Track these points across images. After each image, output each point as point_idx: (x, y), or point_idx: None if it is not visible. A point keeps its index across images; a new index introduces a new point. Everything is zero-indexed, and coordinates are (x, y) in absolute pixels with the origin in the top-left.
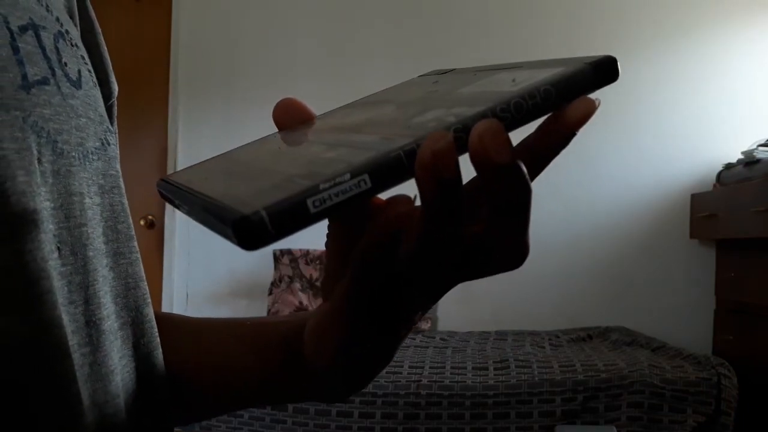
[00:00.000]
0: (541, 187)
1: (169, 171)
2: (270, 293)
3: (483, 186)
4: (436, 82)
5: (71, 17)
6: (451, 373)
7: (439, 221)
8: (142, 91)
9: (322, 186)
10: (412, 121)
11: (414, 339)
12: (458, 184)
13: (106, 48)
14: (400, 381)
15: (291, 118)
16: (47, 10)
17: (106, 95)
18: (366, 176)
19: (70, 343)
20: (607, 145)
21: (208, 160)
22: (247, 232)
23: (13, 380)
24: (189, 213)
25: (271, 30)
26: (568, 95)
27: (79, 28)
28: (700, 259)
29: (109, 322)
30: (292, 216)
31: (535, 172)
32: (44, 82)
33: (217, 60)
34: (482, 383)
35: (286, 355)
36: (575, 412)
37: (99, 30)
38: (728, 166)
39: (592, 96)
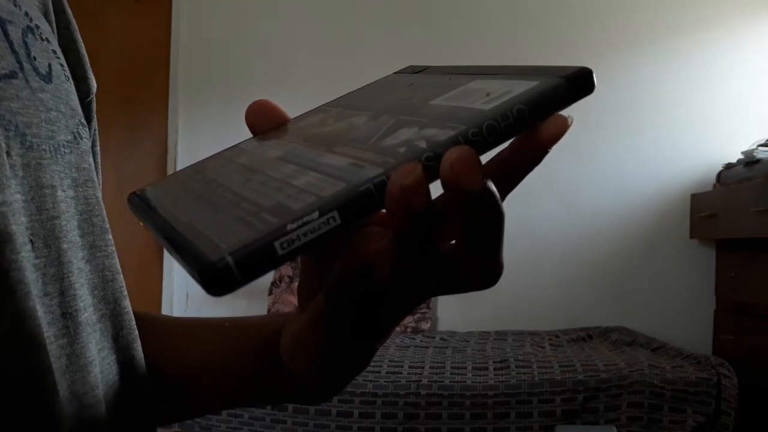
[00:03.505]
0: (541, 186)
1: (170, 171)
2: (270, 293)
3: (455, 211)
4: (411, 84)
5: (46, 15)
6: (451, 373)
7: (411, 252)
8: (142, 91)
9: (289, 227)
10: (383, 144)
11: (414, 339)
12: (429, 215)
13: (83, 45)
14: (400, 381)
15: (265, 120)
16: (15, 5)
17: (84, 92)
18: (335, 213)
19: (46, 334)
20: (607, 145)
21: (181, 171)
22: (213, 279)
23: None
24: (157, 237)
25: (271, 30)
26: (542, 113)
27: (55, 25)
28: (700, 259)
29: (86, 314)
30: (259, 261)
31: (508, 189)
32: (12, 75)
33: (217, 60)
34: (482, 383)
35: (266, 358)
36: (575, 412)
37: (76, 27)
38: (728, 166)
39: (566, 113)
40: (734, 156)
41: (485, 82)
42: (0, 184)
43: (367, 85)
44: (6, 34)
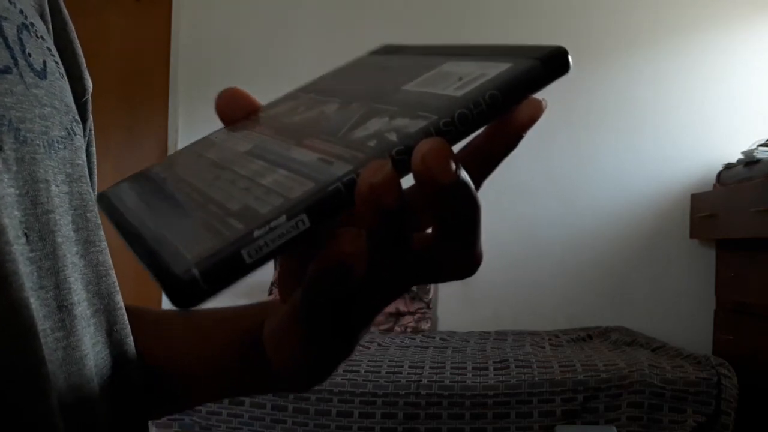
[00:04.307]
0: (541, 186)
1: None
2: (270, 293)
3: (428, 204)
4: (384, 67)
5: (42, 15)
6: (451, 373)
7: (384, 249)
8: (142, 91)
9: (256, 233)
10: (353, 137)
11: (414, 339)
12: (401, 212)
13: (79, 46)
14: (400, 381)
15: (235, 109)
16: (10, 2)
17: (80, 92)
18: (303, 216)
19: (42, 327)
20: (607, 145)
21: (152, 166)
22: (179, 292)
23: None
24: (124, 244)
25: (271, 30)
26: (516, 97)
27: (51, 26)
28: (700, 259)
29: (80, 308)
30: (227, 271)
31: (483, 176)
32: (6, 71)
33: (217, 60)
34: (482, 383)
35: (246, 350)
36: (575, 412)
37: (72, 28)
38: (728, 166)
39: (540, 96)
40: (734, 156)
41: (459, 65)
42: None
43: (341, 67)
44: (1, 30)
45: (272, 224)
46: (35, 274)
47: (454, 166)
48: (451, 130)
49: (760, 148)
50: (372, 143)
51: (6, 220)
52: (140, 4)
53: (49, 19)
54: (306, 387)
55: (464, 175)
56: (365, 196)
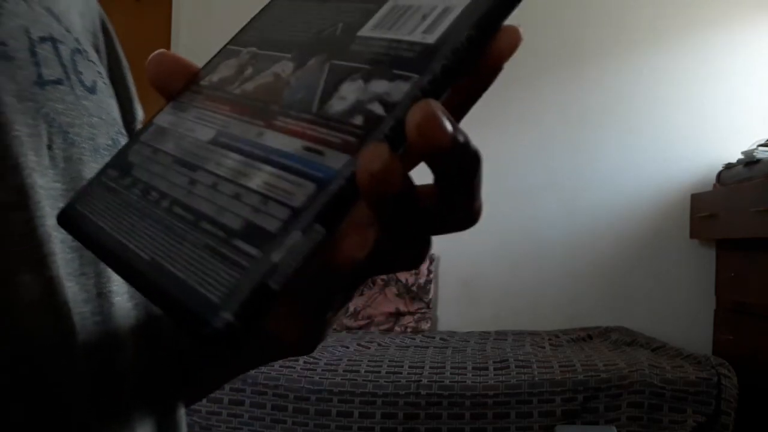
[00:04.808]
0: (542, 186)
1: None
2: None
3: (428, 165)
4: (322, 5)
5: (96, 49)
6: (451, 373)
7: (395, 229)
8: (142, 92)
9: (275, 257)
10: (332, 111)
11: (414, 339)
12: (409, 192)
13: (132, 83)
14: (400, 381)
15: (170, 77)
16: (67, 31)
17: (129, 120)
18: (317, 226)
19: (81, 311)
20: (607, 145)
21: (103, 173)
22: (215, 340)
23: (26, 334)
24: (120, 276)
25: None
26: (493, 30)
27: (106, 62)
28: (700, 259)
29: (119, 298)
30: (257, 305)
31: (464, 112)
32: (59, 82)
33: None
34: (482, 383)
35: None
36: (575, 412)
37: (127, 66)
38: (728, 166)
39: (513, 23)
40: (734, 156)
41: None
42: (40, 171)
43: (269, 7)
44: (57, 50)
45: (288, 244)
46: (77, 261)
47: (450, 127)
48: (436, 87)
49: (760, 148)
50: (358, 120)
51: (48, 210)
52: (140, 4)
53: (104, 54)
54: (312, 348)
55: (461, 133)
56: (368, 187)
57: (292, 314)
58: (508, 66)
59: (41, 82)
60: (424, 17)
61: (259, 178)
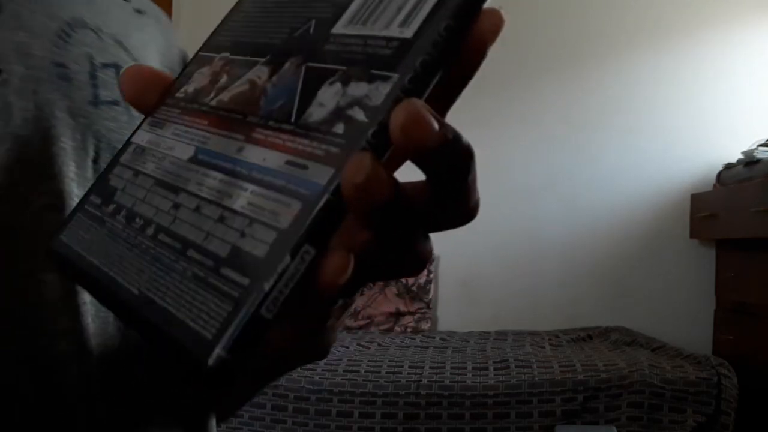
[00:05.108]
0: (541, 186)
1: None
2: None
3: (418, 165)
4: (290, 7)
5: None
6: (451, 373)
7: (385, 236)
8: None
9: (266, 285)
10: (311, 120)
11: (414, 339)
12: (396, 197)
13: None
14: (400, 381)
15: (145, 90)
16: (127, 55)
17: None
18: (307, 247)
19: (102, 314)
20: (607, 145)
21: (86, 201)
22: (208, 378)
23: (45, 333)
24: (110, 310)
25: None
26: (471, 17)
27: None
28: (700, 259)
29: None
30: (251, 336)
31: (451, 102)
32: (115, 103)
33: None
34: (482, 383)
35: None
36: (575, 412)
37: None
38: (728, 166)
39: (492, 6)
40: (734, 156)
41: None
42: (80, 181)
43: (237, 6)
44: (117, 74)
45: (279, 269)
46: None
47: (437, 125)
48: (417, 85)
49: (760, 148)
50: (339, 129)
51: None
52: None
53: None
54: (325, 353)
55: (450, 129)
56: (354, 200)
57: (290, 334)
58: (508, 66)
59: (96, 102)
60: (399, 9)
61: (243, 198)
